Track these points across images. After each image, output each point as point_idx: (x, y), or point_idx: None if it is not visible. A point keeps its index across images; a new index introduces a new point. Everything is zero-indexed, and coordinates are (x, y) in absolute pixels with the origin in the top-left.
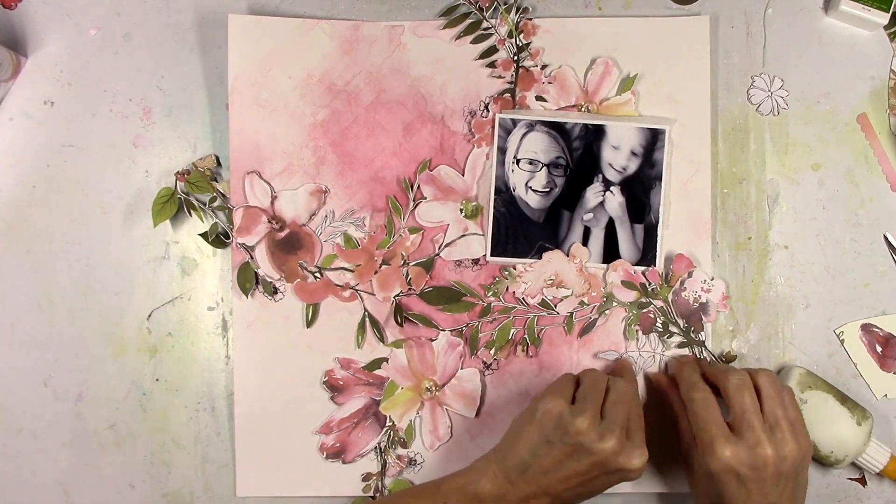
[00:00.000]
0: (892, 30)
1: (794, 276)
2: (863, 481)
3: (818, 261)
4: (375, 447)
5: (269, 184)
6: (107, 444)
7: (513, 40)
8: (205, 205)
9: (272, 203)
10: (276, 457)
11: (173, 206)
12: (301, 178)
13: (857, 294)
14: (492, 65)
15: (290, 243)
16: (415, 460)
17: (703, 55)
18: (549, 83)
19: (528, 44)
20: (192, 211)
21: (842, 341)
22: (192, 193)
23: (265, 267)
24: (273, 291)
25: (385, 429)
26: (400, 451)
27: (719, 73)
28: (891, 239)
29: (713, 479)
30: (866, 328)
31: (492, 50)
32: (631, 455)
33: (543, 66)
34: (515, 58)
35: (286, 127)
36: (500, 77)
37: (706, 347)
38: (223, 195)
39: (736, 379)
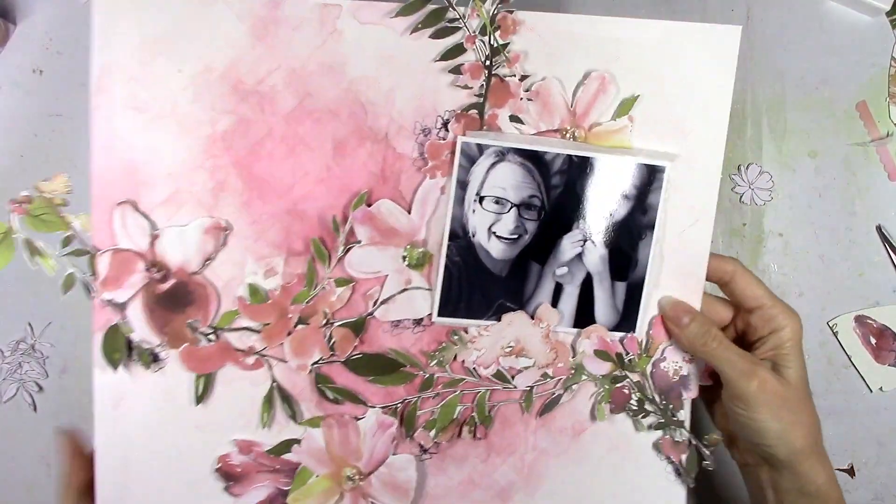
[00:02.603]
0: (894, 16)
1: (788, 264)
2: (851, 472)
3: (813, 249)
4: None
5: (147, 218)
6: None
7: (486, 39)
8: (55, 246)
9: (152, 244)
10: None
11: (9, 249)
12: (193, 211)
13: (852, 284)
14: (456, 70)
15: (176, 297)
16: None
17: (726, 75)
18: (530, 100)
19: (507, 45)
20: (36, 255)
21: (835, 333)
22: (37, 230)
23: (141, 330)
24: (152, 360)
25: None
26: None
27: None
28: (885, 229)
29: None
30: (860, 320)
31: (457, 49)
32: None
33: (523, 77)
34: (488, 62)
35: (173, 139)
36: (465, 87)
37: (685, 429)
38: (79, 234)
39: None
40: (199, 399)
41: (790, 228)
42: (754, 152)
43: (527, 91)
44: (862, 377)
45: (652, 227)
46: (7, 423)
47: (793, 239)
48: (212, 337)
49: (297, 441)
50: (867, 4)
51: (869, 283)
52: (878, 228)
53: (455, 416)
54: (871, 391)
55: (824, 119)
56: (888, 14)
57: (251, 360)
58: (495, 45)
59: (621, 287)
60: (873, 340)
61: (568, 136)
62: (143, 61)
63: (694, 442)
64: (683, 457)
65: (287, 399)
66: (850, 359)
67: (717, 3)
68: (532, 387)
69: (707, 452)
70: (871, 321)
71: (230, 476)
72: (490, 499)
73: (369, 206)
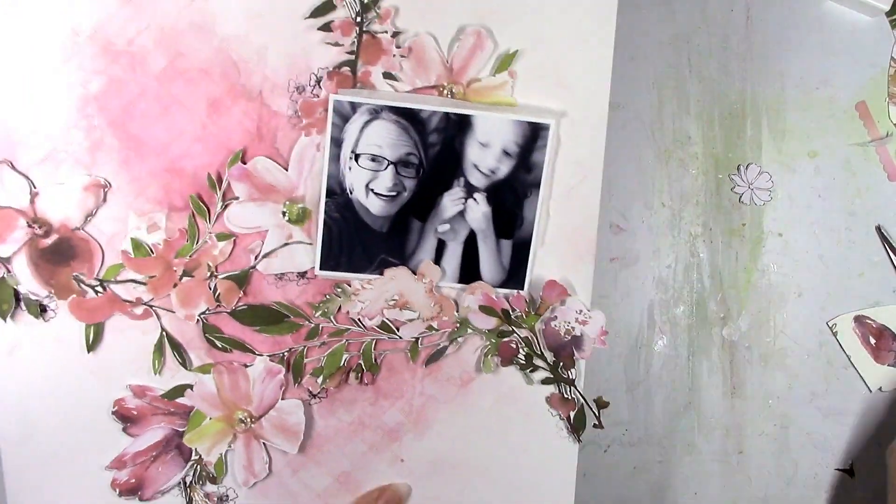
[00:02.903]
0: (894, 17)
1: (788, 265)
2: (851, 472)
3: (812, 249)
4: (180, 482)
5: (26, 177)
6: None
7: None
8: None
9: (32, 202)
10: (60, 499)
11: None
12: (71, 169)
13: (851, 284)
14: (327, 27)
15: (60, 252)
16: (226, 496)
17: (606, 30)
18: (403, 56)
19: (378, 0)
20: None
21: (835, 333)
22: None
23: (28, 282)
24: (41, 311)
25: (191, 462)
26: (209, 487)
27: (715, 56)
28: (884, 229)
29: None
30: (860, 320)
31: (327, 6)
32: None
33: (396, 34)
34: (359, 19)
35: (46, 100)
36: (337, 44)
37: (576, 387)
38: None
39: None
40: (91, 347)
41: (790, 228)
42: (754, 152)
43: (399, 48)
44: (862, 377)
45: (537, 185)
46: None
47: (792, 239)
48: (99, 289)
49: (190, 386)
50: (867, 4)
51: (869, 283)
52: (878, 228)
53: (342, 364)
54: (871, 391)
55: (824, 119)
56: (888, 14)
57: (139, 310)
58: (366, 1)
59: (507, 245)
60: (873, 340)
61: (445, 92)
62: (8, 23)
63: (582, 401)
64: (572, 414)
65: (177, 347)
66: (849, 359)
67: (716, 2)
68: (417, 338)
69: (595, 412)
70: (870, 321)
71: (126, 418)
72: (380, 438)
73: (245, 163)
